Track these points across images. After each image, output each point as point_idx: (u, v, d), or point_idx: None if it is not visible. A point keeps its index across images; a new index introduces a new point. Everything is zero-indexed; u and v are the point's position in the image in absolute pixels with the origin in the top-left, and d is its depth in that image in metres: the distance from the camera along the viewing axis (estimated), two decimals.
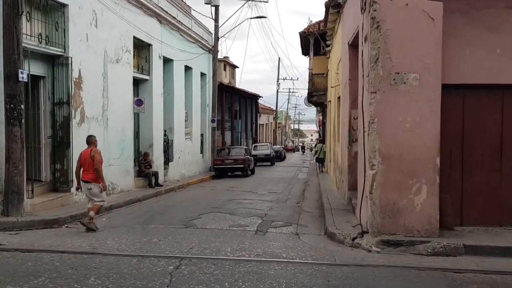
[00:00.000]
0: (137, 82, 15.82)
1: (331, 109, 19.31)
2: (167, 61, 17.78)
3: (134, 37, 14.56)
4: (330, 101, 20.77)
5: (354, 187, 11.23)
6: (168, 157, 17.88)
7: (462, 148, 7.68)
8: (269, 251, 6.67)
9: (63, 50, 10.81)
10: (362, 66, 7.66)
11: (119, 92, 13.51)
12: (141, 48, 15.77)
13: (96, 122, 12.12)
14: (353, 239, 7.47)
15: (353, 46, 11.08)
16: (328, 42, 19.74)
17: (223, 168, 22.05)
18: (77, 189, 9.06)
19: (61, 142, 10.91)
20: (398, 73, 7.17)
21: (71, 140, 10.90)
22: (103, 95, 12.52)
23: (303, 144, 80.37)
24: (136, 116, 15.70)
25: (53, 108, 10.90)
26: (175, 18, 18.16)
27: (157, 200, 13.22)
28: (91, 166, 8.37)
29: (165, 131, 17.61)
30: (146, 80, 16.03)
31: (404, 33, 7.13)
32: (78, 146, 11.17)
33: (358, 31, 8.88)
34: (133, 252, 6.50)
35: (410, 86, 7.16)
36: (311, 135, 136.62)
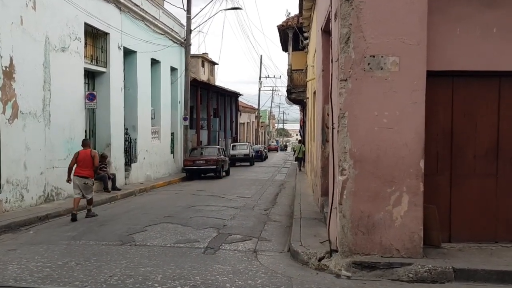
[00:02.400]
0: (92, 75, 14.28)
1: (309, 106, 18.01)
2: (129, 53, 16.26)
3: (86, 24, 13.03)
4: (308, 97, 19.48)
5: (327, 192, 9.91)
6: (130, 157, 16.36)
7: (451, 149, 6.36)
8: (209, 280, 5.26)
9: None
10: (331, 49, 6.30)
11: (67, 85, 11.98)
12: (96, 36, 14.23)
13: (34, 118, 10.57)
14: (320, 259, 6.11)
15: (326, 31, 9.72)
16: (305, 34, 18.45)
17: (194, 170, 20.58)
18: (68, 181, 9.94)
19: None
20: (373, 56, 5.82)
21: None
22: (43, 88, 10.97)
23: (285, 144, 79.38)
24: (91, 112, 14.17)
25: None
26: (138, 6, 16.63)
27: (108, 207, 11.72)
28: (90, 165, 9.75)
29: (126, 129, 16.09)
30: (103, 72, 14.49)
31: (381, 7, 5.79)
32: (9, 146, 9.63)
33: (330, 11, 7.52)
34: (33, 283, 5.04)
35: (389, 72, 5.82)
36: (296, 134, 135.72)
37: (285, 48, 30.33)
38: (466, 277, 5.40)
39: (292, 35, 24.95)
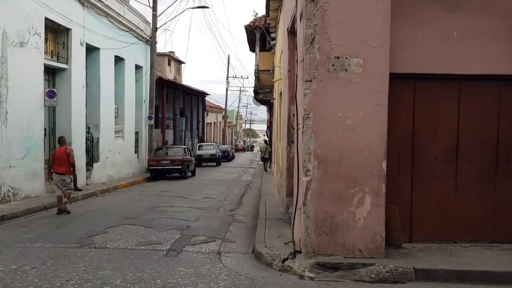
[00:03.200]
0: (52, 71, 13.80)
1: (276, 106, 18.05)
2: (92, 49, 15.82)
3: (47, 19, 12.58)
4: (275, 98, 19.52)
5: (293, 193, 9.93)
6: (92, 157, 15.92)
7: (412, 151, 6.47)
8: (171, 284, 5.13)
9: None
10: (296, 49, 6.28)
11: (25, 81, 11.52)
12: (57, 32, 13.77)
13: None
14: (284, 260, 6.07)
15: (292, 32, 9.74)
16: (272, 35, 18.48)
17: (159, 170, 20.25)
18: (48, 179, 10.60)
19: None
20: (338, 58, 5.84)
21: None
22: (0, 84, 10.50)
23: (252, 144, 79.62)
24: (51, 110, 13.69)
25: None
26: (102, 1, 16.21)
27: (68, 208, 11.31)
28: (66, 162, 10.22)
29: (88, 128, 15.64)
30: (64, 69, 14.03)
31: (346, 8, 5.81)
32: None
33: (295, 11, 7.52)
34: None
35: (353, 74, 5.85)
36: (264, 135, 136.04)
37: (252, 49, 30.30)
38: (427, 277, 5.49)
39: (259, 36, 24.95)
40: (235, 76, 58.49)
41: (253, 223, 9.40)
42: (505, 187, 6.45)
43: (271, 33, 18.57)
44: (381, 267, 5.57)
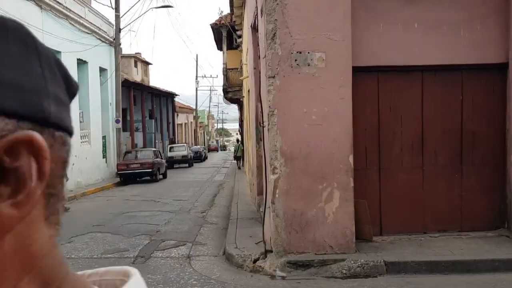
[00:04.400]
0: None
1: (245, 104, 17.92)
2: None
3: None
4: (244, 96, 19.39)
5: (263, 191, 9.85)
6: None
7: (378, 143, 6.46)
8: None
9: None
10: (258, 46, 6.17)
11: None
12: None
13: None
14: (255, 261, 5.97)
15: (255, 28, 9.64)
16: (238, 33, 18.33)
17: (128, 174, 19.81)
18: None
19: None
20: (300, 53, 5.76)
21: None
22: None
23: (224, 144, 79.50)
24: None
25: None
26: (61, 4, 15.70)
27: None
28: None
29: None
30: None
31: (306, 3, 5.74)
32: None
33: (257, 7, 7.41)
34: None
35: (316, 68, 5.78)
36: (236, 134, 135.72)
37: (219, 47, 30.06)
38: (397, 269, 5.48)
39: (226, 34, 24.76)
40: (204, 76, 58.12)
41: (225, 224, 9.25)
42: (471, 176, 6.52)
43: (237, 30, 18.41)
44: (352, 262, 5.53)
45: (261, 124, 9.94)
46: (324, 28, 5.76)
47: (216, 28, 24.91)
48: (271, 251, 5.94)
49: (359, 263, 5.49)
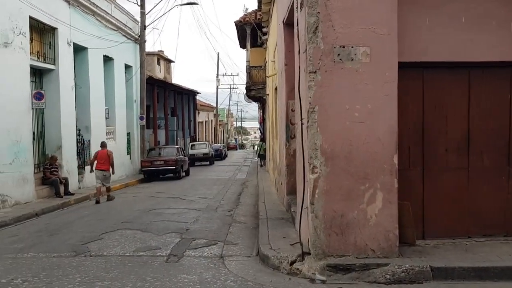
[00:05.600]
0: (39, 73, 13.33)
1: (270, 102, 17.70)
2: (79, 49, 15.35)
3: (31, 18, 12.10)
4: (268, 94, 19.18)
5: (294, 190, 9.57)
6: (84, 160, 15.47)
7: (422, 143, 6.17)
8: None
9: None
10: (298, 40, 5.94)
11: (10, 83, 11.06)
12: (42, 32, 13.29)
13: None
14: (292, 263, 5.75)
15: (289, 24, 9.40)
16: (264, 30, 18.10)
17: (152, 171, 19.83)
18: (90, 171, 13.63)
19: None
20: (343, 47, 5.52)
21: None
22: None
23: (242, 143, 79.61)
24: (39, 112, 13.23)
25: None
26: (88, 0, 15.72)
27: (59, 214, 10.92)
28: (107, 161, 12.87)
29: (79, 130, 15.19)
30: (51, 70, 13.56)
31: None
32: None
33: (293, 1, 7.19)
34: None
35: (360, 63, 5.53)
36: (255, 132, 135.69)
37: (243, 45, 29.90)
38: (444, 275, 5.20)
39: (250, 31, 24.55)
40: (225, 74, 58.04)
41: (254, 223, 9.08)
42: None
43: (263, 28, 18.19)
44: (396, 267, 5.27)
45: (292, 122, 9.75)
46: (369, 21, 5.51)
47: (240, 26, 24.75)
48: (309, 253, 5.72)
49: (404, 268, 5.23)
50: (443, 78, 6.14)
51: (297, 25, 5.92)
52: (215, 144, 44.96)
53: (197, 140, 41.26)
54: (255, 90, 24.85)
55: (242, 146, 75.56)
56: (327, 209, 5.52)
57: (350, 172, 5.52)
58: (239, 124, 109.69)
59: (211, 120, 57.65)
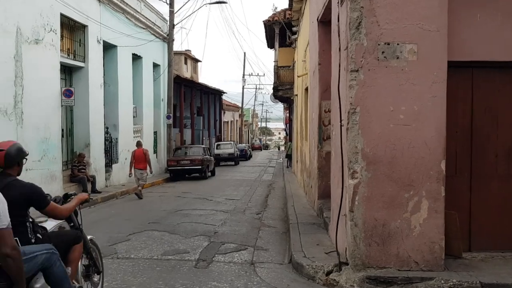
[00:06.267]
0: (69, 70, 13.34)
1: (298, 103, 17.36)
2: (109, 47, 15.34)
3: (62, 15, 12.10)
4: (296, 94, 18.83)
5: (326, 194, 9.23)
6: (111, 158, 15.45)
7: (470, 148, 5.74)
8: None
9: None
10: (339, 36, 5.60)
11: (41, 80, 11.05)
12: (73, 29, 13.30)
13: (4, 116, 9.64)
14: (328, 273, 5.42)
15: (324, 22, 9.06)
16: (294, 29, 17.76)
17: (178, 170, 19.72)
18: (129, 175, 13.73)
19: None
20: (388, 44, 5.16)
21: None
22: (15, 83, 10.04)
23: (266, 143, 79.35)
24: (68, 109, 13.24)
25: None
26: None
27: (86, 212, 10.81)
28: (143, 160, 13.26)
29: (107, 128, 15.17)
30: (81, 67, 13.56)
31: None
32: None
33: None
34: None
35: (406, 62, 5.16)
36: (279, 133, 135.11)
37: (270, 45, 29.61)
38: None
39: (278, 31, 24.23)
40: (251, 74, 57.79)
41: (283, 227, 8.77)
42: None
43: (293, 27, 17.84)
44: (442, 281, 4.88)
45: (325, 124, 9.40)
46: (416, 17, 5.13)
47: (269, 25, 24.45)
48: (347, 264, 5.38)
49: (451, 284, 4.84)
50: (494, 78, 5.70)
51: (338, 21, 5.58)
52: (240, 144, 44.78)
53: (222, 140, 41.16)
54: (283, 91, 24.52)
55: (266, 147, 75.43)
56: (368, 217, 5.17)
57: (393, 178, 5.16)
58: (263, 124, 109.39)
59: (236, 120, 57.57)
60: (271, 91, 29.29)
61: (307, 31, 12.40)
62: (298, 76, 13.56)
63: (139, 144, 13.72)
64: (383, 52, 5.15)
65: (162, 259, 6.26)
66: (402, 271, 5.12)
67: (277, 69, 24.71)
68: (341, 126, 5.52)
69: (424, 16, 5.14)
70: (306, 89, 13.03)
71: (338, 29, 5.56)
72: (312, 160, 10.62)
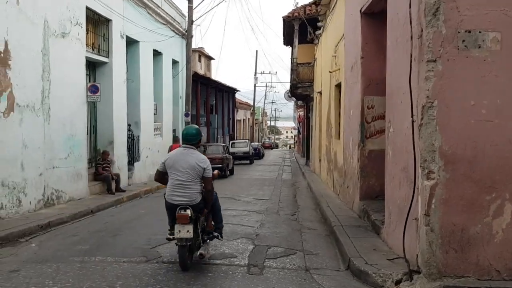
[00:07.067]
0: (93, 65, 12.97)
1: (323, 100, 16.89)
2: (131, 42, 14.96)
3: (88, 8, 11.72)
4: (319, 92, 18.36)
5: (369, 195, 8.82)
6: (133, 156, 15.08)
7: None
8: None
9: None
10: (410, 23, 5.14)
11: (67, 74, 10.69)
12: (97, 23, 12.93)
13: (32, 112, 9.27)
14: (397, 282, 4.98)
15: (368, 14, 8.62)
16: (319, 24, 17.30)
17: None
18: None
19: None
20: (469, 32, 4.70)
21: None
22: (42, 77, 9.67)
23: (276, 143, 79.00)
24: (92, 106, 12.88)
25: None
26: None
27: (115, 212, 10.46)
28: None
29: (129, 125, 14.80)
30: (105, 63, 13.19)
31: None
32: (5, 144, 8.36)
33: None
34: None
35: (488, 51, 4.71)
36: (286, 132, 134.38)
37: (287, 42, 29.13)
38: None
39: (298, 27, 23.75)
40: (263, 72, 57.31)
41: (324, 229, 8.35)
42: None
43: (318, 21, 17.38)
44: None
45: (367, 121, 8.95)
46: (500, 2, 4.68)
47: (288, 21, 23.97)
48: (418, 272, 4.93)
49: None
50: None
51: (410, 6, 5.11)
52: (254, 143, 44.36)
53: (235, 138, 40.77)
54: (302, 88, 24.03)
55: (276, 146, 74.89)
56: (446, 222, 4.72)
57: (473, 179, 4.70)
58: (272, 123, 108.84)
59: (248, 119, 57.17)
60: (282, 89, 28.86)
61: (339, 25, 11.94)
62: (330, 72, 13.08)
63: (176, 140, 14.62)
64: (463, 41, 4.70)
65: (211, 263, 5.85)
66: (483, 280, 4.68)
67: (296, 66, 24.22)
68: (412, 122, 5.06)
69: (509, 2, 4.69)
70: (338, 85, 12.58)
71: (410, 16, 5.10)
72: (349, 159, 10.17)
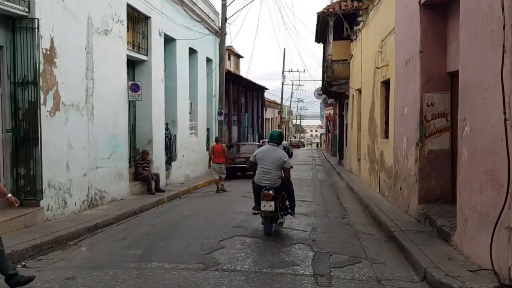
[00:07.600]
0: (132, 63, 12.78)
1: (363, 98, 16.33)
2: (168, 40, 14.73)
3: (128, 5, 11.51)
4: (358, 89, 17.78)
5: (428, 198, 8.29)
6: (170, 155, 14.86)
7: None
8: None
9: (26, 9, 7.73)
10: (503, 10, 4.61)
11: (109, 73, 10.49)
12: (136, 20, 12.72)
13: (77, 111, 9.08)
14: None
15: (429, 5, 8.10)
16: (360, 19, 16.73)
17: (233, 168, 18.96)
18: (209, 167, 14.88)
19: (26, 137, 7.86)
20: None
21: (39, 135, 7.84)
22: (86, 76, 9.48)
23: (302, 141, 78.35)
24: (131, 105, 12.68)
25: (14, 90, 7.85)
26: None
27: (158, 213, 10.22)
28: (222, 154, 14.17)
29: (167, 124, 14.58)
30: (144, 61, 12.98)
31: None
32: (51, 143, 8.17)
33: None
34: None
35: None
36: (311, 130, 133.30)
37: (319, 39, 28.55)
38: None
39: (332, 23, 23.17)
40: (291, 70, 56.79)
41: (381, 235, 7.89)
42: None
43: (358, 16, 16.81)
44: None
45: (427, 119, 8.41)
46: None
47: (323, 17, 23.42)
48: (511, 286, 4.44)
49: None
50: None
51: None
52: (283, 142, 43.86)
53: (264, 137, 40.34)
54: (337, 85, 23.44)
55: (303, 144, 74.17)
56: None
57: None
58: (297, 121, 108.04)
59: (276, 117, 56.76)
60: (309, 87, 28.33)
61: (388, 18, 11.40)
62: (377, 68, 12.54)
63: (217, 140, 15.07)
64: None
65: (274, 272, 5.47)
66: None
67: (331, 63, 23.64)
68: (505, 120, 4.57)
69: None
70: (384, 81, 12.04)
71: (502, 3, 4.59)
72: (401, 159, 9.64)
